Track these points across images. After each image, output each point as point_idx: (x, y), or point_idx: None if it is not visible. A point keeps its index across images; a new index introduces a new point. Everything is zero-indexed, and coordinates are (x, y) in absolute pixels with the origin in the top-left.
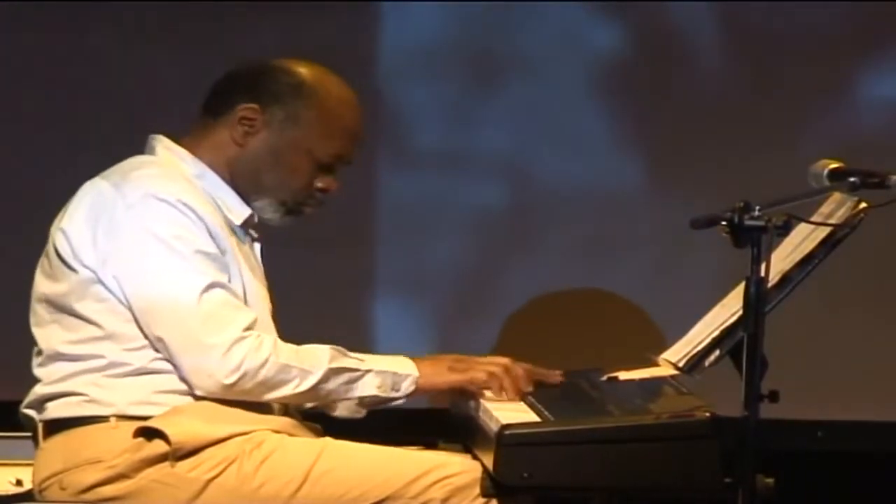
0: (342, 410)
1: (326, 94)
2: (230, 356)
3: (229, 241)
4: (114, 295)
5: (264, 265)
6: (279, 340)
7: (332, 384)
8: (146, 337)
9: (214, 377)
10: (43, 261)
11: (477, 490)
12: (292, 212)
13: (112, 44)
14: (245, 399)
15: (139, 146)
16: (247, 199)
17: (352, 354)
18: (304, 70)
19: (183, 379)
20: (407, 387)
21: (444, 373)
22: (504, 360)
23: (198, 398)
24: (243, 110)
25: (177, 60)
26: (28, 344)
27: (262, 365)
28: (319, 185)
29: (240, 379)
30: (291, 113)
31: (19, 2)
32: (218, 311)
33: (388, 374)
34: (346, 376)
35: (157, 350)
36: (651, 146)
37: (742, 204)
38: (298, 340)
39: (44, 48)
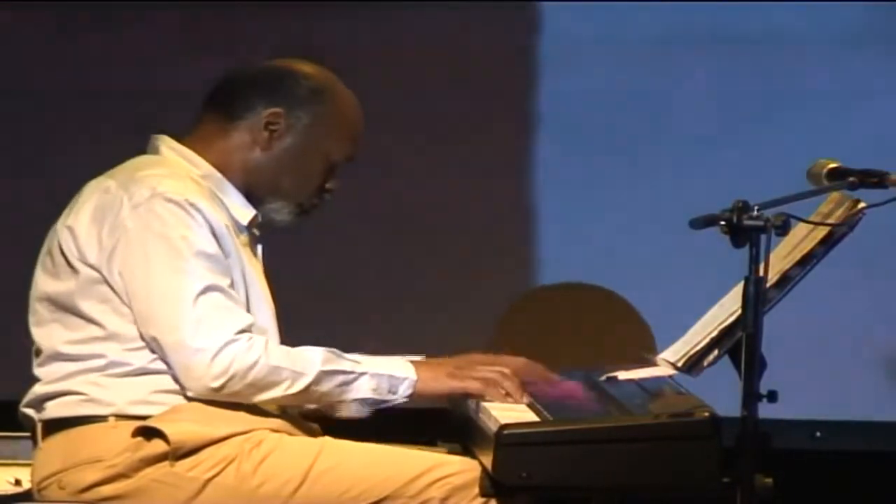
0: (344, 411)
1: (342, 97)
2: (218, 360)
3: (234, 242)
4: (118, 295)
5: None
6: (272, 342)
7: (325, 386)
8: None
9: (202, 381)
10: (44, 259)
11: (476, 490)
12: (304, 213)
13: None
14: (235, 401)
15: (136, 145)
16: (258, 200)
17: (347, 356)
18: (318, 73)
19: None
20: (404, 390)
21: (443, 378)
22: (510, 366)
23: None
24: (269, 115)
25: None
26: (28, 343)
27: (252, 367)
28: (328, 185)
29: (227, 381)
30: (314, 117)
31: (23, 2)
32: (211, 314)
33: (384, 376)
34: (339, 378)
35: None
36: None
37: (741, 203)
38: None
39: (49, 48)
